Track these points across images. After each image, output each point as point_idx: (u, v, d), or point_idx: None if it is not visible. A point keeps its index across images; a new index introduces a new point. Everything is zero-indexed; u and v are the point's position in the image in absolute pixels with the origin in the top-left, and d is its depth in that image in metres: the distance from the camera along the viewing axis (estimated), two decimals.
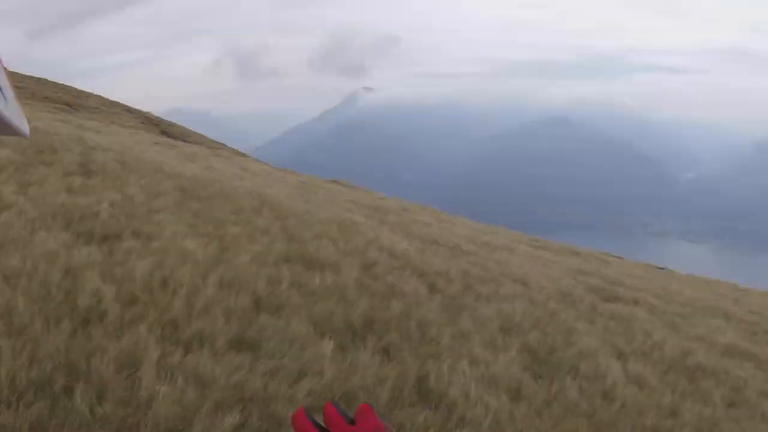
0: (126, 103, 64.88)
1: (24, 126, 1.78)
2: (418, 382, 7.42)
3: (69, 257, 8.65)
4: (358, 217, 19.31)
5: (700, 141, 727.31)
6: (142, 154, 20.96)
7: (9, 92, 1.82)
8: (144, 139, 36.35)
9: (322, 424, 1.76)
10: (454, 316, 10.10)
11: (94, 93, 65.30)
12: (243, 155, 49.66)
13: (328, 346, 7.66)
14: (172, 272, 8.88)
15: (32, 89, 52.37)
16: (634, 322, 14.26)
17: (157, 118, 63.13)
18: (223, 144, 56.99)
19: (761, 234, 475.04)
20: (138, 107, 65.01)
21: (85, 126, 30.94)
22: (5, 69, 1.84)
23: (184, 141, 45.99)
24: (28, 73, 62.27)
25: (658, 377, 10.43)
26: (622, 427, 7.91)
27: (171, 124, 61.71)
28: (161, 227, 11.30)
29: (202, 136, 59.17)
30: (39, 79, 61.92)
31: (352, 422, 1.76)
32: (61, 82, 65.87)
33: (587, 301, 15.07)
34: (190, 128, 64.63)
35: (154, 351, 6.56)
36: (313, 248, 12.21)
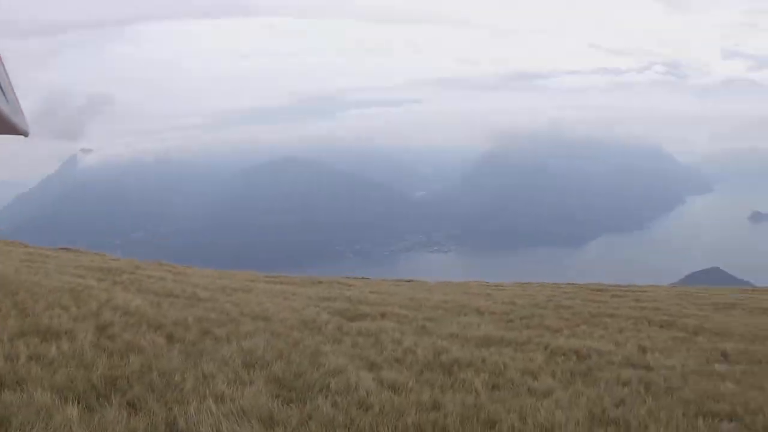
0: None
1: (24, 124, 1.93)
2: (168, 428, 7.57)
3: None
4: (90, 282, 18.98)
5: (424, 162, 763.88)
6: None
7: (10, 92, 1.94)
8: None
9: None
10: (196, 360, 10.28)
11: None
12: None
13: (73, 410, 7.65)
14: None
15: None
16: (383, 334, 15.01)
17: None
18: None
19: (500, 234, 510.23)
20: None
21: None
22: (5, 69, 1.95)
23: None
24: None
25: (414, 378, 11.03)
26: (383, 430, 8.35)
27: None
28: None
29: None
30: None
31: None
32: None
33: (332, 324, 15.63)
34: None
35: None
36: (46, 319, 12.06)
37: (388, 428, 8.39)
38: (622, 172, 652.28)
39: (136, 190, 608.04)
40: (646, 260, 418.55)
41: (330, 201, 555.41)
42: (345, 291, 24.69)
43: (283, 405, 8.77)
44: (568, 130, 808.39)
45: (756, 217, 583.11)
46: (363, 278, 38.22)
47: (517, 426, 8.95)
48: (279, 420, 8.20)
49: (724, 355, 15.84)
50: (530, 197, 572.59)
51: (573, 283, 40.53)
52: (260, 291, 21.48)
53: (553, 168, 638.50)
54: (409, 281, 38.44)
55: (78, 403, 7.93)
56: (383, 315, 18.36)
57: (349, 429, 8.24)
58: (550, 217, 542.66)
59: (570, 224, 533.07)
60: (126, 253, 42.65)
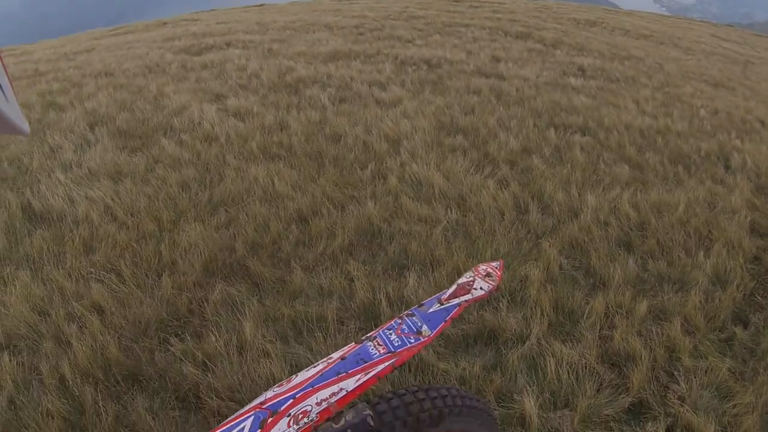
0: None
1: (24, 124, 1.82)
2: (24, 212, 7.23)
3: None
4: None
5: None
6: None
7: (9, 91, 1.84)
8: None
9: None
10: (41, 137, 9.74)
11: None
12: None
13: None
14: None
15: None
16: (228, 63, 14.71)
17: None
18: None
19: None
20: None
21: None
22: (5, 67, 1.85)
23: None
24: None
25: (259, 103, 11.00)
26: (229, 158, 8.39)
27: None
28: None
29: None
30: None
31: None
32: None
33: (176, 63, 15.15)
34: None
35: None
36: None
37: (233, 156, 8.41)
38: None
39: None
40: None
41: None
42: (191, 27, 23.79)
43: (129, 156, 8.67)
44: None
45: None
46: (212, 10, 36.88)
47: (361, 137, 9.04)
48: (127, 172, 8.12)
49: (581, 70, 15.88)
50: None
51: None
52: (103, 48, 20.54)
53: None
54: (260, 6, 37.22)
55: None
56: (228, 44, 17.81)
57: (195, 165, 8.24)
58: None
59: None
60: None
